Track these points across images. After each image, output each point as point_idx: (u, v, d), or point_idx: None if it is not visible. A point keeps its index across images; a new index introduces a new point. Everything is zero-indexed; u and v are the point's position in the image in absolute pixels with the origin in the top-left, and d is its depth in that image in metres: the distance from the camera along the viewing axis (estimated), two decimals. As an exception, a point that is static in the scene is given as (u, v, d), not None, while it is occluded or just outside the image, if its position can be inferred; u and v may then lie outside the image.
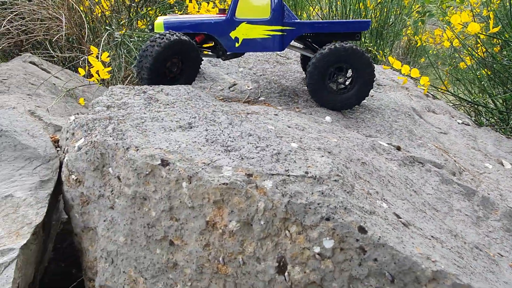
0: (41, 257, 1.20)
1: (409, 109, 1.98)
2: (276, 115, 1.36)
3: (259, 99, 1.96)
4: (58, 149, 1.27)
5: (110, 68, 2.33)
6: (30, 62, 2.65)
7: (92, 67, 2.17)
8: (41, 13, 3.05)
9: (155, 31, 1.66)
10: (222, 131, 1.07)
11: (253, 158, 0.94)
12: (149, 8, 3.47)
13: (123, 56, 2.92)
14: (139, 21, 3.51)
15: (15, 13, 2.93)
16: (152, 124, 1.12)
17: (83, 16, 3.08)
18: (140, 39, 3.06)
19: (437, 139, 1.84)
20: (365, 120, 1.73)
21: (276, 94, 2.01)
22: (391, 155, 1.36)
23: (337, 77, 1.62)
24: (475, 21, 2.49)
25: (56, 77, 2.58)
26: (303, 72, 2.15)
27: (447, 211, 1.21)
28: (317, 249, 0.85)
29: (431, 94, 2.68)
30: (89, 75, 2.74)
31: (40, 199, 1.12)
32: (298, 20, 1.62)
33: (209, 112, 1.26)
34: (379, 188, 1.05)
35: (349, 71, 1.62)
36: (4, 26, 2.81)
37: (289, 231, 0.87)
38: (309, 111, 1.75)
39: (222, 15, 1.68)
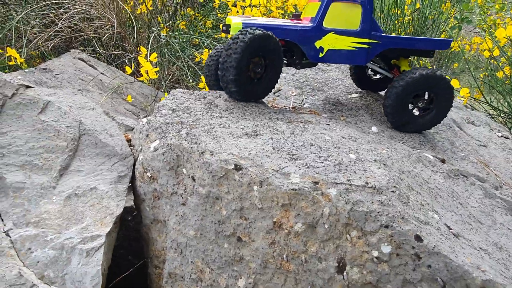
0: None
1: (450, 121, 2.03)
2: (328, 124, 1.45)
3: (304, 105, 2.05)
4: (132, 147, 1.41)
5: (157, 69, 2.48)
6: (79, 59, 2.83)
7: (141, 66, 2.32)
8: (90, 12, 3.22)
9: (232, 33, 1.52)
10: (286, 140, 1.18)
11: (318, 167, 1.04)
12: (193, 12, 3.60)
13: (167, 56, 3.06)
14: (181, 22, 3.65)
15: (68, 13, 3.10)
16: (221, 130, 1.24)
17: (131, 16, 3.23)
18: (184, 40, 3.20)
19: (477, 151, 1.89)
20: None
21: (320, 102, 2.09)
22: (436, 168, 1.43)
23: (418, 101, 1.58)
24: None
25: (102, 73, 2.74)
26: (352, 82, 2.15)
27: (490, 224, 1.28)
28: (375, 253, 0.94)
29: (470, 105, 2.70)
30: (137, 73, 2.90)
31: (119, 192, 1.26)
32: (384, 34, 1.56)
33: (267, 119, 1.36)
34: (430, 200, 1.13)
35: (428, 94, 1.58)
36: (57, 25, 3.00)
37: (350, 235, 0.97)
38: (354, 120, 1.82)
39: (298, 21, 1.61)
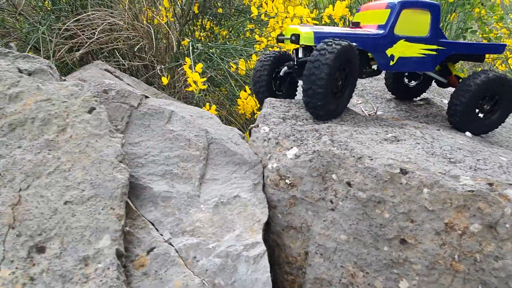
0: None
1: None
2: (438, 129, 1.50)
3: (377, 113, 2.10)
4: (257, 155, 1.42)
5: (205, 79, 2.49)
6: (105, 70, 2.82)
7: (186, 77, 2.33)
8: (118, 24, 3.22)
9: (302, 42, 1.49)
10: (431, 144, 1.22)
11: (486, 169, 1.08)
12: (229, 23, 3.64)
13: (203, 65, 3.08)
14: (222, 31, 3.67)
15: (96, 25, 3.09)
16: (360, 136, 1.27)
17: (150, 27, 3.20)
18: (218, 50, 3.20)
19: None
20: (489, 136, 1.87)
21: (392, 109, 2.14)
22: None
23: (484, 104, 1.61)
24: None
25: (128, 84, 2.74)
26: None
27: None
28: (554, 250, 0.98)
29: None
30: (158, 86, 2.89)
31: (260, 200, 1.26)
32: (448, 40, 1.58)
33: (387, 126, 1.40)
34: None
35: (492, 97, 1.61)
36: (87, 37, 2.99)
37: (527, 233, 1.00)
38: (437, 126, 1.88)
39: (357, 29, 1.59)
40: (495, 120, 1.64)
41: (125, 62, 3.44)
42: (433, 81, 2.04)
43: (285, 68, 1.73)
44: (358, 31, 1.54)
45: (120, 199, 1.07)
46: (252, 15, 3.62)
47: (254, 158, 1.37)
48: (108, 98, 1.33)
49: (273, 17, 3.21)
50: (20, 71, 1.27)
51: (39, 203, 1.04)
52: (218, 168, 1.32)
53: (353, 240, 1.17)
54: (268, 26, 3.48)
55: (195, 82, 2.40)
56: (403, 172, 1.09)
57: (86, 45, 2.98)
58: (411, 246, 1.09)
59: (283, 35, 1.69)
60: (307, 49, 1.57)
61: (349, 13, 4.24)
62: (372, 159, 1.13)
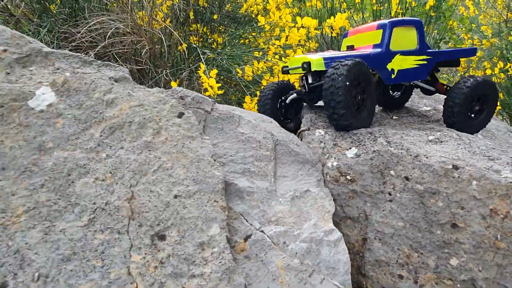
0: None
1: (504, 128, 2.43)
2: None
3: (393, 117, 2.35)
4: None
5: (220, 84, 2.65)
6: None
7: (202, 81, 2.49)
8: (124, 29, 3.30)
9: (313, 69, 1.62)
10: (470, 145, 1.45)
11: (520, 165, 1.33)
12: (242, 31, 3.80)
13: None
14: (242, 39, 3.81)
15: (98, 30, 3.16)
16: (409, 138, 1.49)
17: (163, 38, 3.31)
18: (231, 58, 3.36)
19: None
20: (491, 139, 2.15)
21: (405, 115, 2.39)
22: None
23: (474, 105, 1.81)
24: None
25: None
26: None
27: None
28: None
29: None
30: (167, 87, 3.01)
31: (326, 194, 1.45)
32: (433, 50, 1.77)
33: (424, 127, 1.63)
34: None
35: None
36: (94, 42, 3.06)
37: (554, 216, 1.25)
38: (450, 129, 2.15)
39: (352, 51, 1.72)
40: (483, 120, 1.82)
41: (127, 66, 3.52)
42: (412, 91, 2.24)
43: (294, 95, 1.87)
44: (359, 52, 1.70)
45: (221, 193, 1.23)
46: (259, 24, 3.81)
47: (314, 157, 1.56)
48: (186, 104, 1.47)
49: (280, 27, 3.39)
50: (109, 78, 1.39)
51: (150, 197, 1.18)
52: (285, 167, 1.50)
53: (409, 226, 1.38)
54: (274, 34, 3.67)
55: (211, 87, 2.56)
56: (455, 167, 1.31)
57: (96, 50, 3.05)
58: (461, 229, 1.32)
59: (287, 67, 1.86)
60: (317, 75, 1.75)
61: (349, 24, 4.53)
62: (427, 157, 1.35)
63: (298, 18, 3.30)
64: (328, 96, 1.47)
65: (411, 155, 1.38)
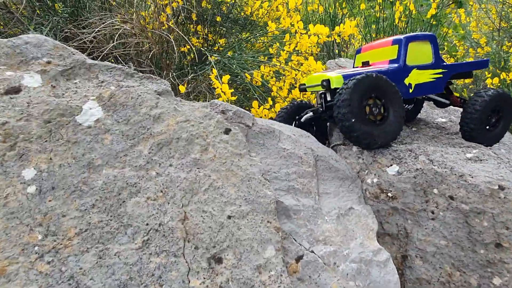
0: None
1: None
2: (499, 149, 1.78)
3: (412, 128, 2.36)
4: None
5: (232, 90, 2.63)
6: None
7: (215, 86, 2.48)
8: (130, 30, 3.24)
9: (333, 86, 1.62)
10: (510, 164, 1.47)
11: None
12: (248, 35, 3.77)
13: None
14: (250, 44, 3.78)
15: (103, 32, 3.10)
16: (448, 156, 1.49)
17: (171, 38, 3.27)
18: (237, 62, 3.33)
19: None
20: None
21: (423, 126, 2.41)
22: None
23: (491, 118, 1.79)
24: None
25: None
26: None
27: None
28: None
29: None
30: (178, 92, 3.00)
31: (369, 211, 1.45)
32: (447, 63, 1.77)
33: (460, 145, 1.65)
34: None
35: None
36: (97, 43, 3.00)
37: None
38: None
39: (369, 67, 1.73)
40: (498, 133, 1.82)
41: (130, 67, 3.46)
42: (423, 104, 2.23)
43: (310, 114, 1.86)
44: (377, 67, 1.70)
45: (274, 213, 1.21)
46: (269, 28, 3.79)
47: (353, 173, 1.55)
48: (228, 118, 1.45)
49: (291, 33, 3.37)
50: (154, 92, 1.35)
51: (203, 218, 1.15)
52: (326, 183, 1.49)
53: (452, 245, 1.39)
54: (284, 39, 3.66)
55: (224, 93, 2.53)
56: (501, 188, 1.32)
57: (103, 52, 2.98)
58: (505, 249, 1.33)
59: (305, 84, 1.85)
60: (335, 93, 1.70)
61: (357, 31, 4.54)
62: (472, 177, 1.36)
63: (310, 26, 3.29)
64: (335, 110, 1.47)
65: (455, 174, 1.38)
